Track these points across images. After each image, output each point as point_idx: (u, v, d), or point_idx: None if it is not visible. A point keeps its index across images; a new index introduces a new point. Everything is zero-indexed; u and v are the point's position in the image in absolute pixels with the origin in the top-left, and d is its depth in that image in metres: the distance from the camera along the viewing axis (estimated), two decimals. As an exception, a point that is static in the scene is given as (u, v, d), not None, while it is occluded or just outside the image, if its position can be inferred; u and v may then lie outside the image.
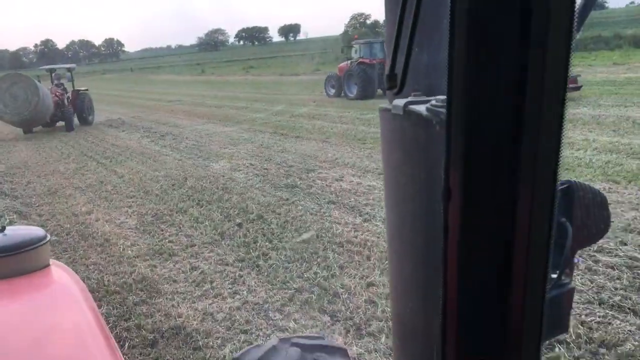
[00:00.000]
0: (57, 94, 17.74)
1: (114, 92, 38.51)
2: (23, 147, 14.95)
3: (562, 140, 0.45)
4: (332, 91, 22.35)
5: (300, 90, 27.34)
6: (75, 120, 18.38)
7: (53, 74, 19.64)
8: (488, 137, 0.45)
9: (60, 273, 2.12)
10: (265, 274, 4.95)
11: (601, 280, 4.22)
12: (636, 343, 3.40)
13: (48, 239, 2.09)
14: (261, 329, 3.98)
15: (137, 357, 3.77)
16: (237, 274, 4.98)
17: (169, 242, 6.06)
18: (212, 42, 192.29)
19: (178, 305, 4.45)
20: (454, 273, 0.50)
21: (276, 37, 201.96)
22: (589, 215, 0.76)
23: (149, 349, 3.87)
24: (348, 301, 4.27)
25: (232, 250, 5.62)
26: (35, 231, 2.11)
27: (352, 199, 7.13)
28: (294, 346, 1.79)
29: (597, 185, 6.63)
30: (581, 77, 15.59)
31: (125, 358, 2.28)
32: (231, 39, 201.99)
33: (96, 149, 13.50)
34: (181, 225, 6.60)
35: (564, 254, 0.72)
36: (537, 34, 0.41)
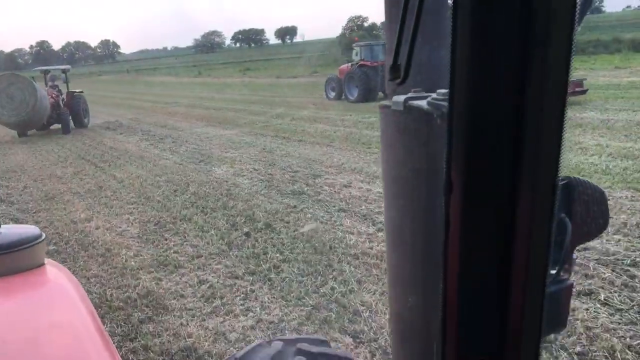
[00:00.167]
0: (52, 95, 17.36)
1: (110, 94, 38.12)
2: (18, 150, 14.60)
3: (564, 135, 0.44)
4: (333, 94, 22.06)
5: (299, 92, 27.04)
6: (70, 123, 18.00)
7: (48, 75, 19.25)
8: (490, 130, 0.45)
9: (55, 272, 2.10)
10: (278, 288, 4.66)
11: None
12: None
13: (43, 237, 2.06)
14: (278, 351, 3.69)
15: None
16: (248, 289, 4.69)
17: (174, 252, 5.76)
18: (209, 44, 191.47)
19: (187, 324, 4.16)
20: (454, 268, 0.50)
21: (273, 40, 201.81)
22: (588, 211, 0.75)
23: (158, 373, 3.58)
24: (370, 320, 3.99)
25: (241, 262, 5.33)
26: (31, 230, 2.08)
27: (363, 207, 6.85)
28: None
29: (619, 194, 6.39)
30: (585, 81, 15.42)
31: (122, 357, 2.13)
32: (227, 41, 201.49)
33: (94, 153, 13.17)
34: (186, 234, 6.31)
35: (563, 249, 0.71)
36: (539, 31, 0.41)
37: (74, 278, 2.11)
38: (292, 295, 4.50)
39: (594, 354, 3.33)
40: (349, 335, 3.82)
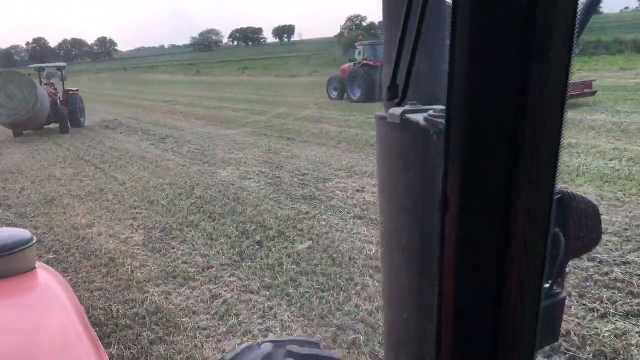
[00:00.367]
0: (50, 94, 16.93)
1: (108, 92, 37.69)
2: (15, 150, 14.21)
3: (560, 153, 0.44)
4: (335, 94, 21.72)
5: (299, 92, 26.67)
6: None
7: (43, 73, 18.78)
8: (487, 147, 0.44)
9: (46, 276, 2.09)
10: (298, 305, 4.34)
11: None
12: None
13: (34, 241, 2.07)
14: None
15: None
16: (265, 305, 4.36)
17: (183, 263, 5.42)
18: (206, 43, 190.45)
19: (202, 346, 3.83)
20: (449, 284, 0.49)
21: (270, 39, 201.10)
22: (582, 225, 0.75)
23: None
24: (402, 343, 3.67)
25: (255, 274, 5.00)
26: (22, 233, 2.09)
27: (380, 214, 6.52)
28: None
29: (650, 202, 6.09)
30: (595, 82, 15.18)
31: None
32: (225, 40, 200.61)
33: (93, 153, 12.80)
34: (194, 243, 5.97)
35: (556, 264, 0.71)
36: (539, 48, 0.40)
37: (65, 282, 2.12)
38: (314, 313, 4.17)
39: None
40: (381, 361, 3.50)
